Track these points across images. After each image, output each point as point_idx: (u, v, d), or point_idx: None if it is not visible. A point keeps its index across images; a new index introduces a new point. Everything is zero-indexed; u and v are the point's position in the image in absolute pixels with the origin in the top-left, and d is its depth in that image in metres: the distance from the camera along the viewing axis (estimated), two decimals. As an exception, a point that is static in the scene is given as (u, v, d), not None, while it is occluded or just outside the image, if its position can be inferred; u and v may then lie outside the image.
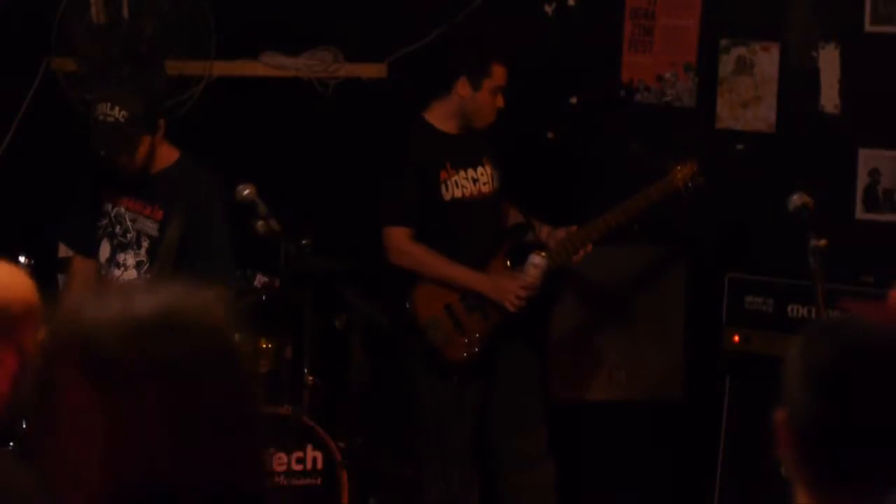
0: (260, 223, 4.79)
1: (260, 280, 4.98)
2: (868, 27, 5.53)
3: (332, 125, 6.23)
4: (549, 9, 6.09)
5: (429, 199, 5.18)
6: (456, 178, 5.23)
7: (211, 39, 6.07)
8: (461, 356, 5.16)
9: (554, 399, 5.66)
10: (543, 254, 5.14)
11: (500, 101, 5.23)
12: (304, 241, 4.92)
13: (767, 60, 5.71)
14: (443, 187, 5.20)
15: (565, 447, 5.58)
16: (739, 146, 5.81)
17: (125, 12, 6.03)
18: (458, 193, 5.23)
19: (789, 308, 5.33)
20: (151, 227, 4.92)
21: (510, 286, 5.12)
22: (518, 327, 5.25)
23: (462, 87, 5.19)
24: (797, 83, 5.67)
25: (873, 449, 1.89)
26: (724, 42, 5.81)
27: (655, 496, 5.76)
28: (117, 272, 4.93)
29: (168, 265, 4.85)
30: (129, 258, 4.94)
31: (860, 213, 5.60)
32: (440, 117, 5.26)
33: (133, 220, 4.93)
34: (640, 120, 5.97)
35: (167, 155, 4.98)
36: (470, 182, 5.26)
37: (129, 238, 4.93)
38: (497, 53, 5.25)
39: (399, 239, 5.17)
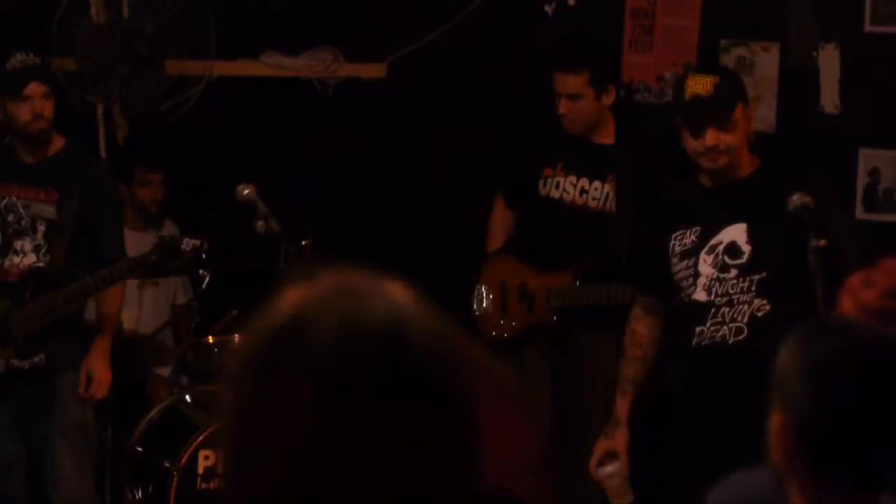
0: (260, 223, 4.79)
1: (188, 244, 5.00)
2: (868, 27, 5.53)
3: (332, 125, 6.23)
4: (549, 9, 6.08)
5: (527, 189, 5.34)
6: (560, 179, 5.27)
7: (211, 39, 6.07)
8: (489, 333, 5.25)
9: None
10: None
11: (560, 107, 5.22)
12: (304, 241, 4.92)
13: (767, 60, 5.71)
14: (541, 182, 5.30)
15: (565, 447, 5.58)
16: (739, 146, 5.80)
17: (125, 12, 6.04)
18: (554, 194, 5.27)
19: (789, 308, 5.32)
20: (48, 211, 5.00)
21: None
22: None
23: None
24: (797, 83, 5.67)
25: (874, 449, 1.89)
26: (724, 42, 5.80)
27: (655, 496, 5.76)
28: (16, 259, 4.97)
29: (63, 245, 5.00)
30: (27, 244, 4.99)
31: (860, 213, 5.59)
32: None
33: (26, 207, 4.99)
34: (640, 120, 5.97)
35: (56, 141, 5.11)
36: (575, 190, 5.27)
37: (23, 225, 4.99)
38: (555, 61, 5.28)
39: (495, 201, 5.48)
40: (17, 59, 4.99)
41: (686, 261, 4.21)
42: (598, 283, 5.16)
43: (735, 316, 4.13)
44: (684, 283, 4.22)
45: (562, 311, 5.25)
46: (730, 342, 4.12)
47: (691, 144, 4.19)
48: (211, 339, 5.51)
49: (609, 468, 4.37)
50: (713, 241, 4.19)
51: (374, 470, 1.33)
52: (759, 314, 4.11)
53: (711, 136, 4.13)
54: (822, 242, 4.10)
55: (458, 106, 6.09)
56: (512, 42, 6.03)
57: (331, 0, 6.25)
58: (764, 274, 4.11)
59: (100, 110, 6.24)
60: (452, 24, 6.07)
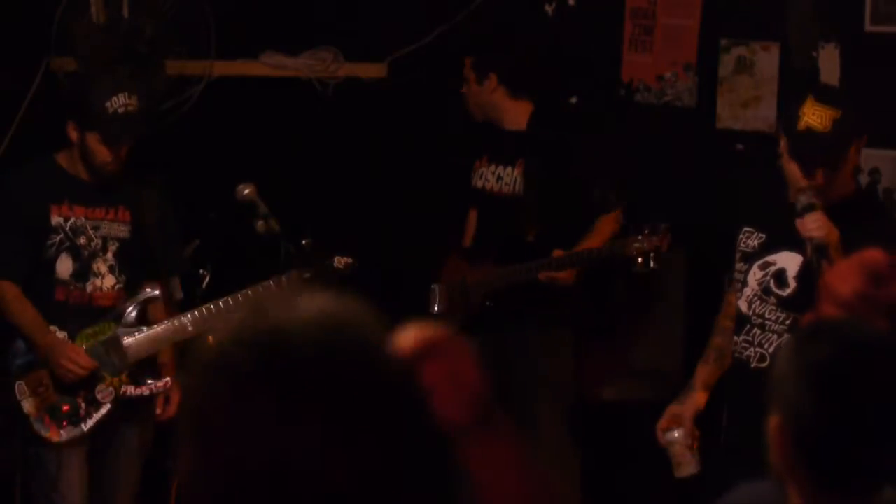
0: (260, 223, 4.79)
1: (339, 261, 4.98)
2: (868, 27, 5.53)
3: (332, 125, 6.23)
4: (549, 9, 6.09)
5: (464, 183, 5.53)
6: (484, 170, 5.46)
7: (211, 39, 6.07)
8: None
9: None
10: None
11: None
12: (303, 241, 4.92)
13: (767, 60, 5.71)
14: (474, 175, 5.49)
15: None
16: (739, 146, 5.81)
17: (125, 12, 6.03)
18: (479, 184, 5.48)
19: (789, 308, 5.30)
20: (120, 230, 4.88)
21: None
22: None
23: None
24: (797, 83, 5.67)
25: (871, 449, 1.89)
26: (724, 42, 5.81)
27: (655, 496, 5.76)
28: (97, 282, 4.85)
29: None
30: (101, 265, 4.86)
31: (860, 213, 5.59)
32: None
33: (95, 228, 4.84)
34: (640, 120, 5.97)
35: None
36: (494, 178, 5.42)
37: (94, 246, 4.84)
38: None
39: None
40: (120, 102, 4.72)
41: (742, 263, 3.98)
42: (512, 265, 5.23)
43: (763, 342, 3.92)
44: (737, 285, 4.01)
45: (495, 301, 5.31)
46: (752, 366, 3.93)
47: (794, 174, 3.83)
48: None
49: (672, 434, 4.13)
50: (769, 258, 3.92)
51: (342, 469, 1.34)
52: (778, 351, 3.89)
53: (820, 177, 3.77)
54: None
55: (458, 106, 6.09)
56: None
57: (331, 0, 6.25)
58: (799, 316, 3.79)
59: (100, 110, 6.23)
60: (452, 24, 6.07)
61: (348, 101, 6.23)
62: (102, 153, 4.75)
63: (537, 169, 5.31)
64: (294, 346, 1.37)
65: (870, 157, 5.59)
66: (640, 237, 4.85)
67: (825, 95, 3.94)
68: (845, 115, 3.83)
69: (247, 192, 4.80)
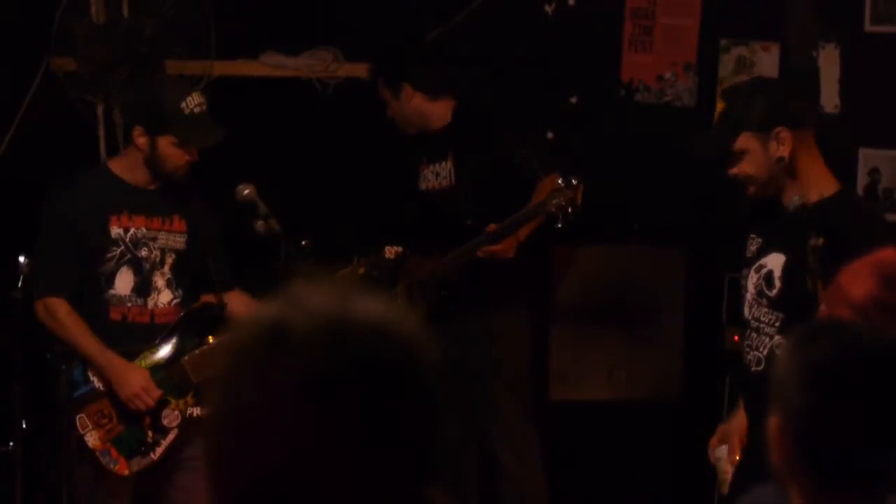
0: (260, 223, 4.78)
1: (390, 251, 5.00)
2: (868, 27, 5.54)
3: (332, 125, 6.23)
4: (549, 9, 6.09)
5: (410, 189, 5.59)
6: (425, 172, 5.55)
7: (211, 39, 6.07)
8: None
9: (553, 398, 5.67)
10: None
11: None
12: (304, 242, 4.92)
13: (767, 60, 5.71)
14: (419, 180, 5.58)
15: (565, 447, 5.58)
16: (739, 146, 5.81)
17: (125, 12, 6.04)
18: (423, 187, 5.57)
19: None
20: (177, 241, 4.74)
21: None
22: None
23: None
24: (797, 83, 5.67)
25: (873, 450, 1.89)
26: (724, 42, 5.81)
27: (655, 496, 5.77)
28: (156, 297, 4.70)
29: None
30: (159, 279, 4.71)
31: (860, 213, 5.59)
32: None
33: (153, 239, 4.68)
34: (640, 120, 5.97)
35: None
36: (433, 176, 5.51)
37: (153, 259, 4.69)
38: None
39: None
40: (195, 102, 4.60)
41: (744, 269, 3.98)
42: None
43: (758, 345, 3.91)
44: (742, 291, 4.01)
45: (450, 290, 5.34)
46: (752, 369, 3.93)
47: None
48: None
49: (721, 451, 4.06)
50: (762, 262, 3.91)
51: (357, 467, 1.33)
52: (778, 352, 3.86)
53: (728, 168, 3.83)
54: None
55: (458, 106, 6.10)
56: (512, 42, 6.04)
57: (331, 0, 6.25)
58: (784, 316, 3.83)
59: (100, 110, 6.23)
60: (452, 24, 6.07)
61: (348, 101, 6.23)
62: (177, 157, 4.62)
63: (466, 155, 5.38)
64: (349, 344, 1.37)
65: (870, 157, 5.60)
66: (555, 193, 4.86)
67: (727, 90, 4.09)
68: (733, 105, 3.88)
69: (247, 192, 4.79)
